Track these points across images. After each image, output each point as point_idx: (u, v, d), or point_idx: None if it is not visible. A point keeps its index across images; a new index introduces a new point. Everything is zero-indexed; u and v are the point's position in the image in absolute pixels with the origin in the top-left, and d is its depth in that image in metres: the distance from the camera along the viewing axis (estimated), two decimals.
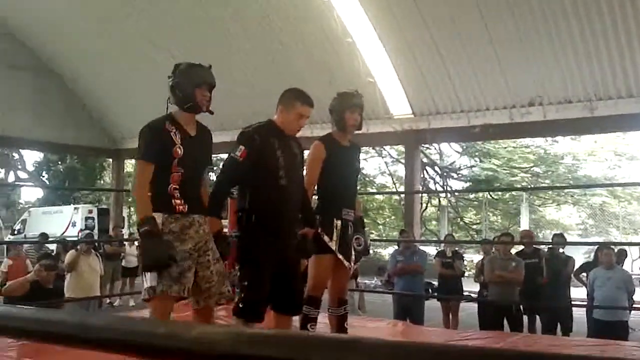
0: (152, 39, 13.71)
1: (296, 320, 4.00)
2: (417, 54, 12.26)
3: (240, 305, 3.58)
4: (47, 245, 11.79)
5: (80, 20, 14.45)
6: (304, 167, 3.96)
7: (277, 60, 13.35)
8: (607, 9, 10.02)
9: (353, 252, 4.15)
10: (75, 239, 14.08)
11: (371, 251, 18.55)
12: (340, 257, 4.04)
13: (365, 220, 17.17)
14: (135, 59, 14.34)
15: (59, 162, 28.25)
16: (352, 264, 4.16)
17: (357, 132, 4.43)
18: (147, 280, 3.27)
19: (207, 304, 3.45)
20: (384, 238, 25.36)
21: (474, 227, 24.47)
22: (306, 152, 4.11)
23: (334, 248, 4.00)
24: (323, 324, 4.40)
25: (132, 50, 14.16)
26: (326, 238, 3.97)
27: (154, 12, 13.53)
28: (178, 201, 3.36)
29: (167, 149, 3.35)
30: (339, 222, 4.04)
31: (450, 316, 8.95)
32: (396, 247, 9.80)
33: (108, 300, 10.60)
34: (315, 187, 4.12)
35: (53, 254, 10.24)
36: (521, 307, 7.50)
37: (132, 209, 20.82)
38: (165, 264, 3.21)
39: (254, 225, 3.62)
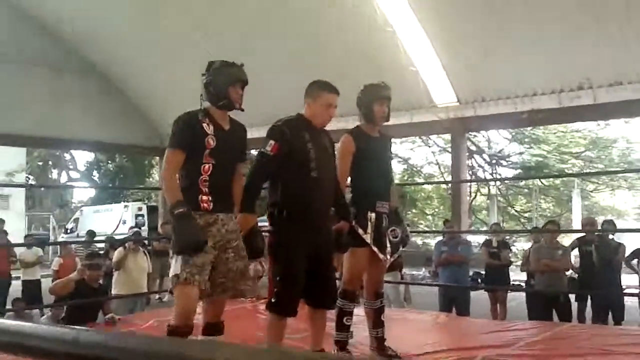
0: (200, 37, 13.82)
1: (331, 313, 3.95)
2: (459, 41, 12.03)
3: (273, 300, 3.56)
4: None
5: (127, 20, 14.67)
6: (336, 160, 3.90)
7: (318, 51, 13.30)
8: None
9: (388, 245, 4.07)
10: (125, 236, 14.33)
11: (419, 242, 18.30)
12: (375, 249, 3.98)
13: (413, 211, 17.04)
14: (184, 58, 14.47)
15: (109, 162, 28.94)
16: (388, 256, 4.09)
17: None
18: (173, 267, 3.28)
19: (220, 297, 3.45)
20: (432, 229, 25.11)
21: (525, 214, 23.99)
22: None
23: (368, 241, 3.94)
24: (362, 316, 4.34)
25: (181, 49, 14.27)
26: (360, 231, 3.92)
27: (201, 8, 13.63)
28: (205, 197, 3.36)
29: (200, 139, 3.37)
30: (373, 215, 3.97)
31: (498, 306, 8.79)
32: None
33: (157, 296, 10.75)
34: (348, 181, 4.07)
35: (102, 252, 10.47)
36: (569, 295, 7.31)
37: None
38: (200, 247, 3.22)
39: (286, 219, 3.60)
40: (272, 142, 3.59)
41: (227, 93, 3.44)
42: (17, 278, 10.78)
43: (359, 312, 4.34)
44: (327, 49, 13.23)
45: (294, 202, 3.60)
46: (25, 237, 12.43)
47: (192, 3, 13.60)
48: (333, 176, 3.78)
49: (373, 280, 4.18)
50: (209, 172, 3.37)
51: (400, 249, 4.26)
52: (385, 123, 4.24)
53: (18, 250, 10.89)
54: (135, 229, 12.58)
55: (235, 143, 3.56)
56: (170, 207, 3.29)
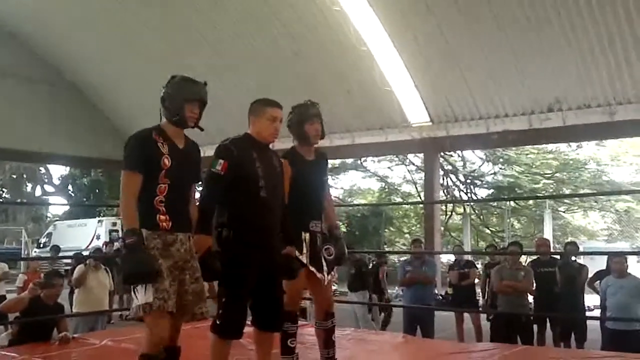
0: (174, 50, 13.80)
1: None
2: (433, 62, 12.18)
3: (218, 322, 3.50)
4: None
5: (102, 33, 14.63)
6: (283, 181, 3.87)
7: (296, 72, 13.34)
8: (624, 12, 9.83)
9: (324, 263, 4.07)
10: (97, 252, 14.14)
11: (395, 260, 18.29)
12: (313, 269, 3.98)
13: (390, 229, 17.21)
14: (158, 72, 14.40)
15: (84, 176, 28.66)
16: (325, 274, 4.07)
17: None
18: (140, 296, 3.15)
19: (177, 320, 3.36)
20: (399, 250, 25.16)
21: (499, 234, 24.13)
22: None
23: (305, 261, 3.95)
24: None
25: (155, 63, 14.19)
26: (297, 252, 3.91)
27: (175, 23, 13.63)
28: (163, 217, 3.27)
29: (155, 159, 3.27)
30: (307, 235, 4.00)
31: (472, 327, 8.73)
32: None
33: (120, 313, 10.60)
34: None
35: (69, 268, 10.34)
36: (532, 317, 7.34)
37: None
38: (149, 279, 3.13)
39: (233, 240, 3.55)
40: (221, 160, 3.53)
41: (182, 109, 3.35)
42: None
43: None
44: (301, 68, 13.28)
45: (241, 223, 3.55)
46: None
47: (169, 17, 13.60)
48: (281, 197, 3.75)
49: (320, 299, 4.17)
50: (164, 193, 3.28)
51: (337, 266, 4.26)
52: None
53: None
54: (96, 247, 12.39)
55: (190, 162, 3.46)
56: (124, 233, 3.23)
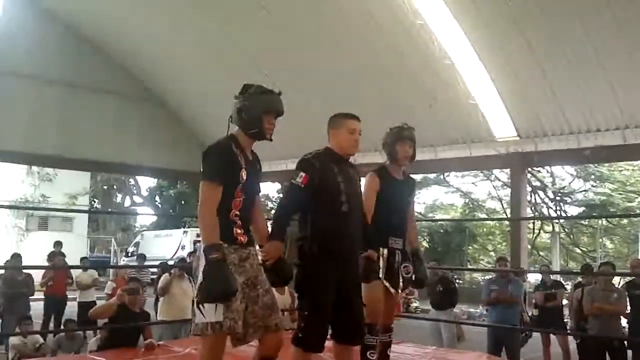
0: (256, 65, 14.02)
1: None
2: (520, 74, 11.82)
3: (300, 335, 3.49)
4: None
5: (187, 49, 15.08)
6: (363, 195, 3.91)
7: (378, 86, 13.27)
8: None
9: (401, 280, 4.20)
10: (182, 262, 14.51)
11: (480, 279, 17.84)
12: (387, 284, 4.09)
13: (474, 246, 17.00)
14: (240, 87, 14.76)
15: (171, 187, 29.53)
16: (400, 291, 4.23)
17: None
18: (209, 314, 3.02)
19: (251, 337, 3.26)
20: (482, 267, 24.56)
21: (590, 254, 23.16)
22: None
23: (380, 275, 4.05)
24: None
25: (238, 78, 14.46)
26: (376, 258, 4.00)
27: (256, 38, 13.86)
28: (239, 230, 3.22)
29: (235, 172, 3.20)
30: (385, 250, 4.11)
31: (560, 350, 8.36)
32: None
33: None
34: None
35: (155, 277, 10.61)
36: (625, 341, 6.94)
37: None
38: (229, 298, 3.03)
39: (315, 254, 3.54)
40: (302, 173, 3.55)
41: (261, 122, 3.28)
42: (74, 299, 11.06)
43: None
44: (384, 81, 13.19)
45: (324, 237, 3.54)
46: (81, 259, 12.74)
47: (245, 35, 13.86)
48: (361, 210, 3.76)
49: (384, 313, 4.20)
50: (239, 206, 3.22)
51: (415, 288, 4.31)
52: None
53: (75, 272, 11.18)
54: (181, 256, 12.65)
55: (257, 175, 3.41)
56: (205, 248, 3.07)
